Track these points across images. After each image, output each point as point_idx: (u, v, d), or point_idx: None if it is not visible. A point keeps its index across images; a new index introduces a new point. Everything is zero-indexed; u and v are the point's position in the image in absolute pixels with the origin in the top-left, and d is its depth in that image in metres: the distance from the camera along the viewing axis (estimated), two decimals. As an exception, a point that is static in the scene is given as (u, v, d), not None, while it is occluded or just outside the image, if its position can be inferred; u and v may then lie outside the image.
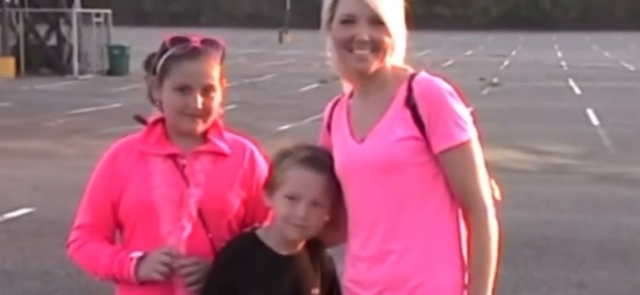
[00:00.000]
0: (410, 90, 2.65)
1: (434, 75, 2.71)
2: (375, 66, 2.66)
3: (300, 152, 2.74)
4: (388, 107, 2.67)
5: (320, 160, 2.73)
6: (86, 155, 12.76)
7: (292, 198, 2.70)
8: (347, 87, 2.82)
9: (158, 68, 2.83)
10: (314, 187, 2.70)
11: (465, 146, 2.62)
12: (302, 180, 2.70)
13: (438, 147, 2.62)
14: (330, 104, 2.86)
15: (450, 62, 38.64)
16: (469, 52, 52.57)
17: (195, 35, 2.88)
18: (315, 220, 2.72)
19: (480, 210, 2.64)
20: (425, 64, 2.77)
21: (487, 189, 2.67)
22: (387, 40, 2.65)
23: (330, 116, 2.83)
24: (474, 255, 2.65)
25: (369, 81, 2.70)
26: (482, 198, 2.65)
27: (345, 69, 2.71)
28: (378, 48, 2.64)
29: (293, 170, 2.71)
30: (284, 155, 2.77)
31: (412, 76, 2.69)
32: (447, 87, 2.67)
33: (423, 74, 2.70)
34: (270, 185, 2.76)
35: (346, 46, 2.65)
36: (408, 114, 2.64)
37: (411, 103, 2.63)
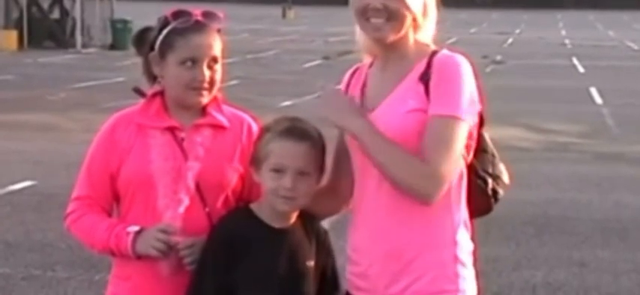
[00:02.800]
0: (429, 65, 2.65)
1: (457, 53, 2.70)
2: (392, 36, 2.66)
3: (280, 124, 2.77)
4: (404, 79, 2.67)
5: (300, 130, 2.75)
6: (88, 129, 12.74)
7: (278, 171, 2.71)
8: (367, 59, 2.82)
9: (158, 43, 2.82)
10: (297, 157, 2.71)
11: (448, 119, 2.57)
12: (284, 151, 2.72)
13: (431, 110, 2.59)
14: (350, 71, 2.87)
15: (453, 40, 38.54)
16: (473, 30, 52.45)
17: (195, 8, 2.88)
18: (303, 189, 2.73)
19: (434, 172, 2.54)
20: (442, 42, 2.76)
21: (451, 170, 2.58)
22: (403, 10, 2.65)
23: (348, 84, 2.84)
24: (398, 148, 2.56)
25: (389, 52, 2.71)
26: (440, 168, 2.55)
27: (365, 39, 2.73)
28: (392, 17, 2.64)
29: (275, 143, 2.73)
30: (265, 129, 2.79)
31: (434, 53, 2.69)
32: (463, 64, 2.64)
33: (444, 51, 2.70)
34: (255, 161, 2.78)
35: (363, 14, 2.67)
36: (421, 88, 2.64)
37: (426, 78, 2.64)
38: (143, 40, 2.88)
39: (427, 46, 2.72)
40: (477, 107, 2.67)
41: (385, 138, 2.59)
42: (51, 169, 10.31)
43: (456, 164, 2.62)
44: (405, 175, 2.57)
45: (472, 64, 2.69)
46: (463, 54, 2.70)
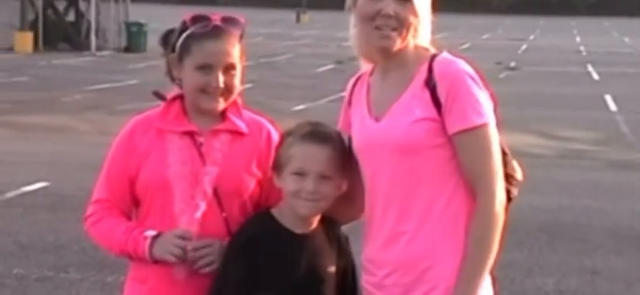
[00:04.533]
0: (430, 70, 2.64)
1: (456, 57, 2.69)
2: (397, 44, 2.65)
3: (302, 128, 2.77)
4: (407, 86, 2.66)
5: (322, 133, 2.74)
6: (102, 131, 12.82)
7: (299, 174, 2.71)
8: (364, 66, 2.80)
9: (178, 46, 2.82)
10: (319, 160, 2.71)
11: (479, 130, 2.60)
12: (306, 154, 2.71)
13: (452, 128, 2.60)
14: (353, 79, 2.86)
15: (467, 45, 38.51)
16: (487, 36, 52.36)
17: (215, 13, 2.87)
18: (325, 192, 2.72)
19: (487, 196, 2.61)
20: (442, 47, 2.76)
21: (499, 178, 2.64)
22: (412, 18, 2.64)
23: (352, 92, 2.83)
24: (471, 242, 2.62)
25: (390, 60, 2.69)
26: (491, 185, 2.61)
27: (367, 46, 2.70)
28: (402, 25, 2.63)
29: (296, 146, 2.73)
30: (287, 134, 2.79)
31: (433, 57, 2.67)
32: (468, 69, 2.65)
33: (444, 55, 2.69)
34: (277, 165, 2.77)
35: (371, 20, 2.64)
36: (427, 94, 2.63)
37: (431, 84, 2.62)
38: (167, 42, 2.88)
39: (426, 50, 2.71)
40: (492, 104, 2.67)
41: (479, 261, 2.61)
42: (64, 171, 10.34)
43: (501, 167, 2.64)
44: (495, 235, 2.63)
45: (477, 70, 2.69)
46: (463, 58, 2.69)
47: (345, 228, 2.91)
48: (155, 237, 2.76)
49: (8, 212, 8.40)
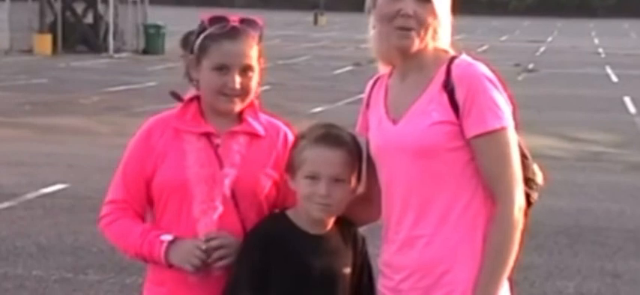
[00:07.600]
0: (448, 73, 2.62)
1: (475, 59, 2.67)
2: (416, 45, 2.63)
3: (315, 131, 2.76)
4: (425, 89, 2.64)
5: (335, 136, 2.73)
6: (120, 133, 12.84)
7: (312, 178, 2.70)
8: (383, 69, 2.79)
9: (196, 47, 2.82)
10: (332, 164, 2.70)
11: (497, 133, 2.58)
12: (319, 158, 2.70)
13: (470, 132, 2.58)
14: (371, 81, 2.84)
15: (485, 47, 38.41)
16: (505, 38, 52.21)
17: (233, 14, 2.87)
18: (338, 196, 2.71)
19: (505, 202, 2.59)
20: (460, 48, 2.74)
21: (518, 182, 2.61)
22: (431, 20, 2.63)
23: (370, 93, 2.82)
24: (490, 248, 2.59)
25: (408, 62, 2.67)
26: (510, 190, 2.59)
27: (386, 47, 2.68)
28: (421, 26, 2.62)
29: (309, 150, 2.72)
30: (300, 137, 2.78)
31: (452, 59, 2.65)
32: (486, 72, 2.63)
33: (463, 57, 2.66)
34: (290, 168, 2.77)
35: (390, 20, 2.63)
36: (445, 97, 2.61)
37: (448, 87, 2.60)
38: (187, 43, 2.88)
39: (445, 52, 2.69)
40: (510, 107, 2.65)
41: (497, 268, 2.59)
42: (83, 172, 10.37)
43: (520, 171, 2.62)
44: (514, 241, 2.60)
45: (496, 73, 2.67)
46: (482, 60, 2.67)
47: (362, 229, 2.90)
48: (171, 242, 2.75)
49: (28, 213, 8.44)
